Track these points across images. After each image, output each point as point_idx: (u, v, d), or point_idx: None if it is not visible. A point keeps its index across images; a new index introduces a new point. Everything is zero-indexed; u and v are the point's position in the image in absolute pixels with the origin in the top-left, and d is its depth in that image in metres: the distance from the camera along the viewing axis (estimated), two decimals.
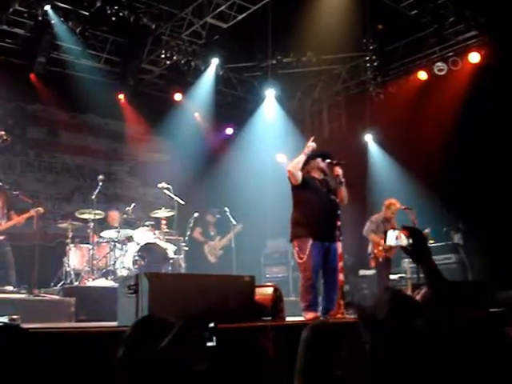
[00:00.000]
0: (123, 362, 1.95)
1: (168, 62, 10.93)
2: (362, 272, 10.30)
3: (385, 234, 2.89)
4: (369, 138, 11.98)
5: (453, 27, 10.10)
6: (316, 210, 6.39)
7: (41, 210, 8.65)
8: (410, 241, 2.56)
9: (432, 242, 8.76)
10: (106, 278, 8.78)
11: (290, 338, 3.21)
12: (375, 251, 8.70)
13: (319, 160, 6.68)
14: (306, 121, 12.43)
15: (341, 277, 6.34)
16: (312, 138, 6.65)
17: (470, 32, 10.11)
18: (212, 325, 2.51)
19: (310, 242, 6.27)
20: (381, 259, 8.64)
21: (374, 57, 10.91)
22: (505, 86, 9.09)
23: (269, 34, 10.48)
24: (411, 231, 2.60)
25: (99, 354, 3.51)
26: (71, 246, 9.01)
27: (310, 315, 6.07)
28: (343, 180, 6.55)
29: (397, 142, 11.00)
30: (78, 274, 8.79)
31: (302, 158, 6.45)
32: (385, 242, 3.16)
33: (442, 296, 2.41)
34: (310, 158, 6.67)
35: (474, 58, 10.16)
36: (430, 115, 10.05)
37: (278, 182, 10.14)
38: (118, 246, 9.15)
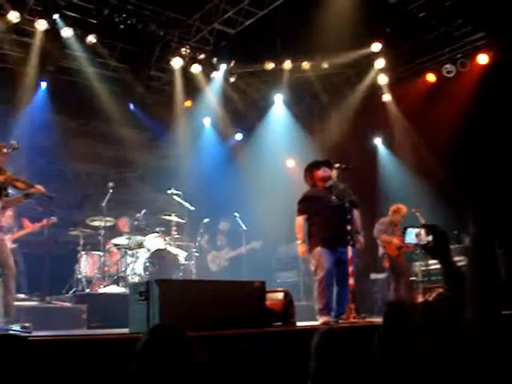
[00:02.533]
0: (137, 377, 1.93)
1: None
2: (373, 276, 10.26)
3: (404, 231, 2.90)
4: (378, 142, 11.95)
5: (461, 29, 10.06)
6: (325, 222, 6.57)
7: (54, 219, 8.70)
8: (430, 238, 2.57)
9: None
10: (118, 285, 8.81)
11: (301, 343, 3.21)
12: (388, 251, 8.72)
13: (319, 170, 6.76)
14: (314, 125, 12.40)
15: (351, 281, 6.37)
16: None
17: (479, 33, 10.06)
18: None
19: (321, 249, 6.47)
20: (394, 257, 8.68)
21: (382, 60, 10.90)
22: None
23: (277, 38, 10.51)
24: (432, 228, 2.61)
25: (111, 361, 3.52)
26: (82, 253, 9.05)
27: (322, 319, 6.23)
28: (361, 232, 6.81)
29: (406, 144, 10.96)
30: (89, 281, 8.82)
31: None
32: (404, 240, 3.17)
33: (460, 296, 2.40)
34: (313, 168, 6.80)
35: (483, 59, 10.12)
36: (438, 117, 9.99)
37: (288, 187, 10.15)
38: (129, 252, 9.18)
